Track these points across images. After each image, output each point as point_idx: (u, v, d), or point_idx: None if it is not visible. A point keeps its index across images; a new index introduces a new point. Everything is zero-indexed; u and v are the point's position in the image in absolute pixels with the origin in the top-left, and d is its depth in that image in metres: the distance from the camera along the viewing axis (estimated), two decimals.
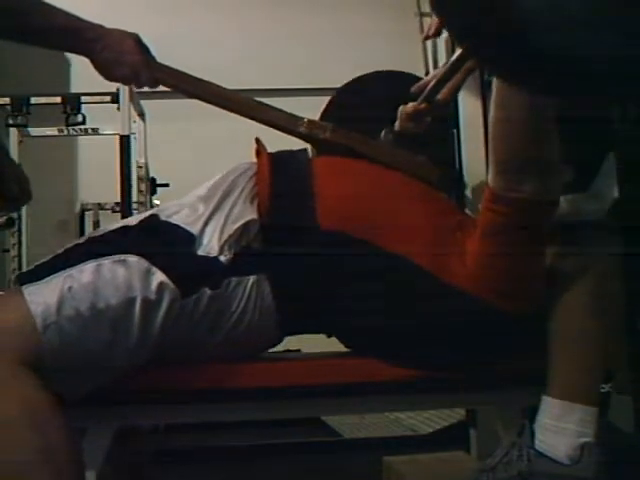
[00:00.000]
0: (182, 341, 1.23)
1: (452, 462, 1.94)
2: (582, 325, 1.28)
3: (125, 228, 1.29)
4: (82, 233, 4.76)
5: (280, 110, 1.51)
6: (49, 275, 1.19)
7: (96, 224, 4.70)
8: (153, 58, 1.47)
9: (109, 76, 1.45)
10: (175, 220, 1.27)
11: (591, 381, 1.28)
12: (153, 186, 4.15)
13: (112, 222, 1.38)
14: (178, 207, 1.32)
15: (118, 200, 3.64)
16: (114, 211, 4.35)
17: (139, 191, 3.77)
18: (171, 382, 1.27)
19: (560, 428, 1.24)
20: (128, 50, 1.41)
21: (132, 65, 1.42)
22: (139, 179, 3.80)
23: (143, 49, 1.45)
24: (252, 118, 1.51)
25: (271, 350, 1.43)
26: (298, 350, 1.85)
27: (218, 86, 1.52)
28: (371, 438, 2.96)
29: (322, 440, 2.92)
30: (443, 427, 2.92)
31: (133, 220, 1.32)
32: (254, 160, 1.41)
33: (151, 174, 4.08)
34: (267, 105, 1.52)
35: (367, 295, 1.27)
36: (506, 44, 0.77)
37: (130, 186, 3.60)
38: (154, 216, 1.30)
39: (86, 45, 1.40)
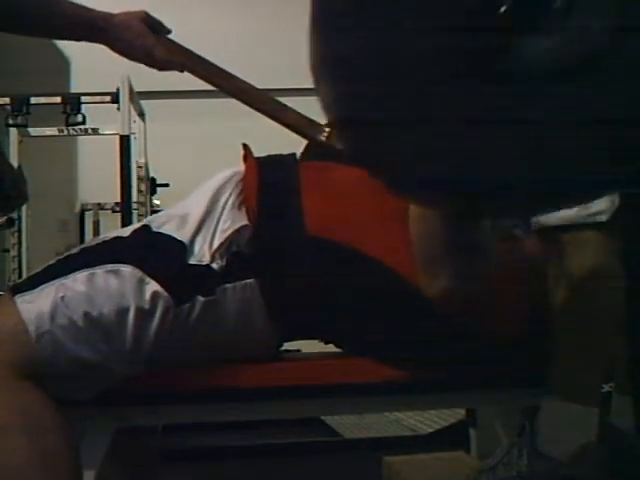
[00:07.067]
0: (177, 349, 1.23)
1: (452, 462, 1.94)
2: (582, 325, 1.28)
3: (118, 239, 1.30)
4: (82, 233, 4.77)
5: (299, 113, 1.48)
6: (42, 285, 1.19)
7: (96, 224, 4.71)
8: (166, 32, 1.49)
9: (130, 59, 1.48)
10: (166, 230, 1.28)
11: (591, 381, 1.28)
12: (153, 186, 4.16)
13: (112, 222, 1.39)
14: (167, 217, 1.32)
15: (118, 200, 3.65)
16: (114, 211, 4.36)
17: (139, 191, 3.78)
18: (170, 382, 1.27)
19: (559, 428, 1.24)
20: (137, 33, 1.43)
21: (143, 48, 1.44)
22: (139, 179, 3.81)
23: (154, 26, 1.46)
24: (267, 115, 1.48)
25: None
26: (298, 350, 1.85)
27: (234, 76, 1.50)
28: (371, 438, 2.96)
29: (322, 440, 2.92)
30: (443, 427, 2.92)
31: (126, 231, 1.33)
32: (241, 166, 1.40)
33: (151, 174, 4.09)
34: (285, 105, 1.49)
35: (354, 300, 1.27)
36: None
37: (130, 186, 3.60)
38: (146, 227, 1.31)
39: (98, 36, 1.42)
